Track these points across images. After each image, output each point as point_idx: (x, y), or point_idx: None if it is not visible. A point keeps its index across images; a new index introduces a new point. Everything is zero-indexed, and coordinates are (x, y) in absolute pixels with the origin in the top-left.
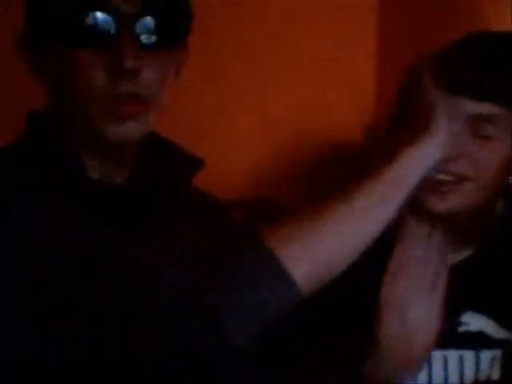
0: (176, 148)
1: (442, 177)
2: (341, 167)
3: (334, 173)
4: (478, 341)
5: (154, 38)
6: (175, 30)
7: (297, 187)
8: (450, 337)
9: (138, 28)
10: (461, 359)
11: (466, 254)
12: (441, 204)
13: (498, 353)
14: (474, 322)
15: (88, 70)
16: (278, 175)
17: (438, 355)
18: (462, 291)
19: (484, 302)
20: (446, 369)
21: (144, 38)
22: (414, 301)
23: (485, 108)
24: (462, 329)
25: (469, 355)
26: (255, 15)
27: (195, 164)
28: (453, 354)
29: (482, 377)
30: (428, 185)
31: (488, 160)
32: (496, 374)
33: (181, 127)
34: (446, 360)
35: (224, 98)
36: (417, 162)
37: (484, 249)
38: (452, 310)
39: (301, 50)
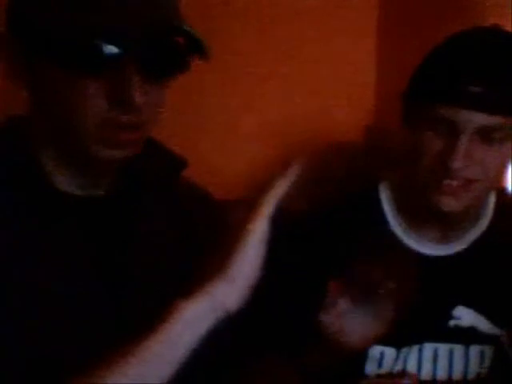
0: (158, 149)
1: (454, 183)
2: (341, 167)
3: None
4: (468, 335)
5: (157, 69)
6: (178, 59)
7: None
8: (441, 330)
9: (143, 60)
10: (450, 352)
11: (458, 247)
12: (456, 204)
13: (487, 348)
14: (465, 316)
15: (88, 97)
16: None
17: (428, 347)
18: (454, 285)
19: (475, 296)
20: (435, 361)
21: (148, 69)
22: (356, 309)
23: (493, 119)
24: (452, 322)
25: (458, 349)
26: (256, 16)
27: (179, 165)
28: (443, 347)
29: (471, 371)
30: (441, 188)
31: (495, 162)
32: (485, 369)
33: (181, 128)
34: (436, 352)
35: (224, 99)
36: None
37: (476, 243)
38: (443, 303)
39: (301, 49)
